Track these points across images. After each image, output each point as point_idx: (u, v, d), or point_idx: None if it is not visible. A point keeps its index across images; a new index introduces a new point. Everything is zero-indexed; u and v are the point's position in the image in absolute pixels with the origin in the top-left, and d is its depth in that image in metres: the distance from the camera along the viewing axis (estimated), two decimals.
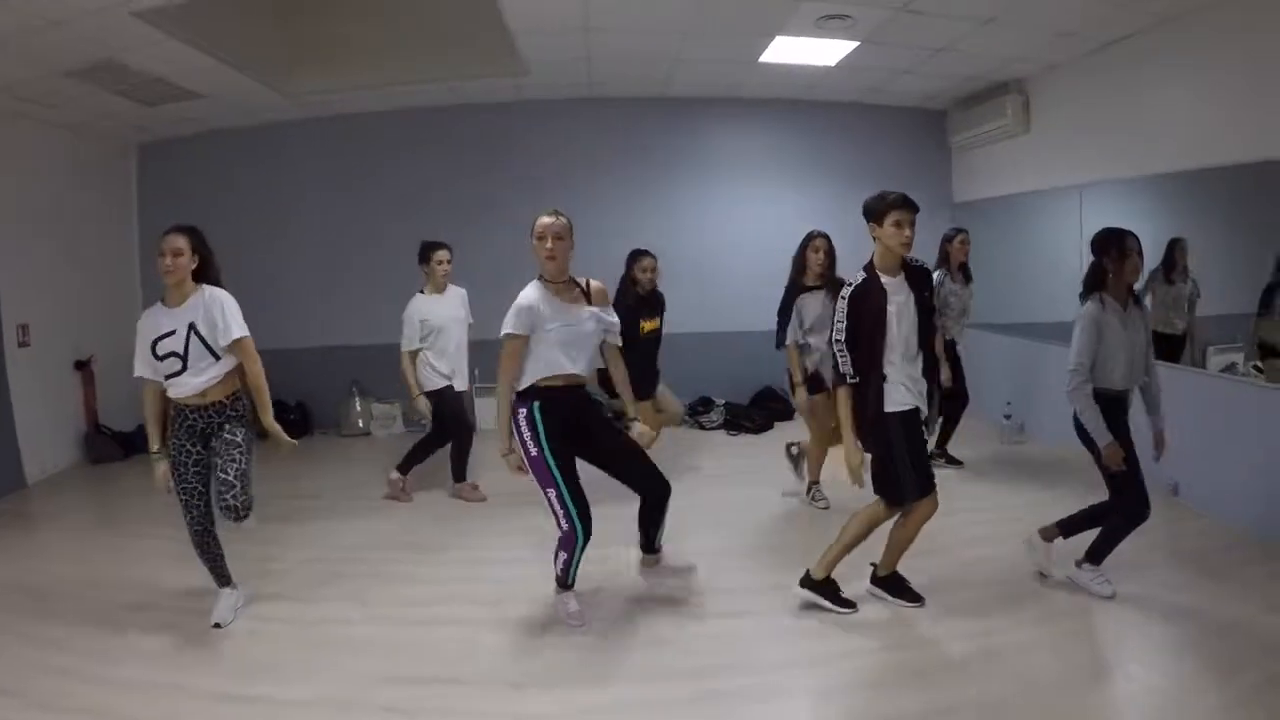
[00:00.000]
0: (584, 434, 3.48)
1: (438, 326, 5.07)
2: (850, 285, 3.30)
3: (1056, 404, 3.77)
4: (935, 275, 5.19)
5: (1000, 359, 6.65)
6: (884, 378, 3.26)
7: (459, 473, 5.33)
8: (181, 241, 3.35)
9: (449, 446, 5.29)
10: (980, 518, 4.62)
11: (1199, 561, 3.93)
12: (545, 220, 3.37)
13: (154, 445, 3.49)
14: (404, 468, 5.33)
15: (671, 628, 3.43)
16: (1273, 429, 4.12)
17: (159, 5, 4.45)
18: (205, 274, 3.45)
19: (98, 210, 6.98)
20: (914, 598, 3.55)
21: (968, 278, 5.64)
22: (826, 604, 3.50)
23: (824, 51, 5.93)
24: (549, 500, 3.36)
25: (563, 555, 3.46)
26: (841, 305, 3.28)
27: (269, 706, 2.89)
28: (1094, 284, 3.45)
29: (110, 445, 6.64)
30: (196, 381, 3.36)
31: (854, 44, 5.71)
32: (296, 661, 3.22)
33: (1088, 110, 5.66)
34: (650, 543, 3.87)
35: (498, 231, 6.48)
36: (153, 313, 3.44)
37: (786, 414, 7.07)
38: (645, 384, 5.16)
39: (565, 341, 3.35)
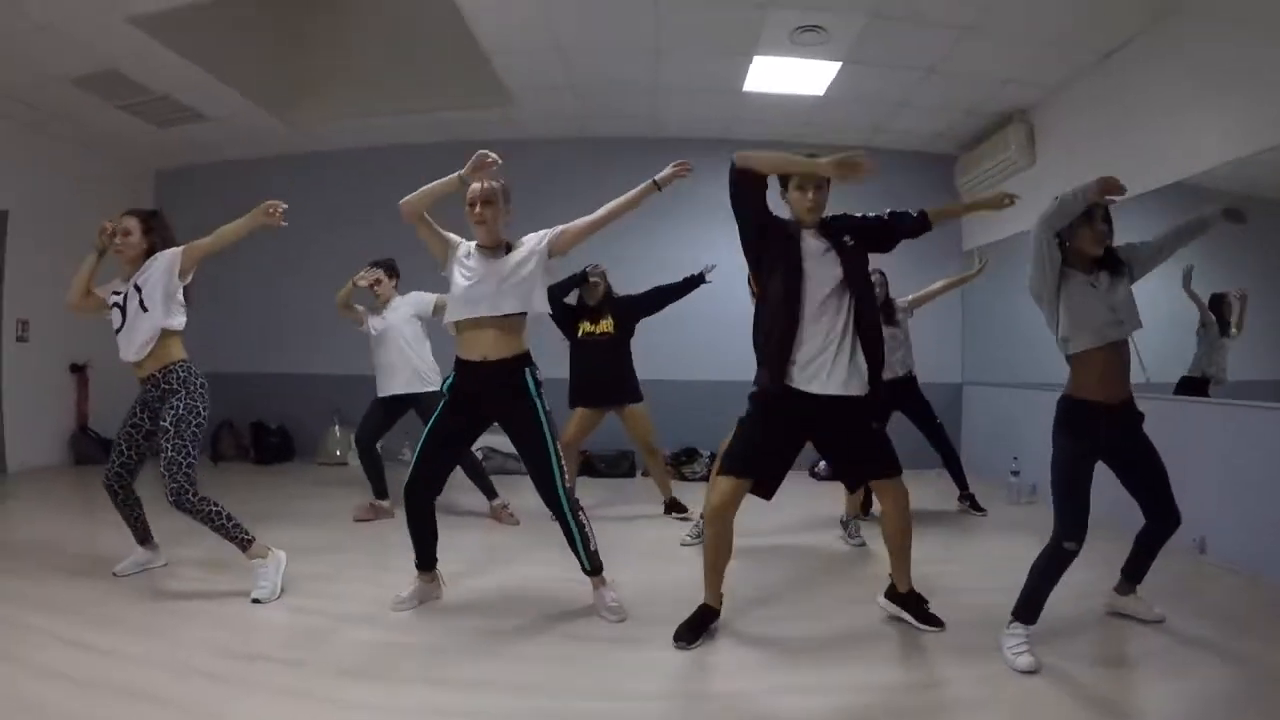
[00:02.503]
0: (500, 418, 3.38)
1: (377, 336, 5.11)
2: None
3: None
4: None
5: (1011, 417, 6.11)
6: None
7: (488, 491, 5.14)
8: (131, 223, 3.58)
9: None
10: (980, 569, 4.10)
11: (1226, 617, 3.28)
12: (473, 187, 3.32)
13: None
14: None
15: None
16: None
17: (156, 11, 4.77)
18: (160, 243, 3.62)
19: None
20: (931, 620, 3.18)
21: (890, 317, 5.13)
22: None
23: (809, 76, 5.78)
24: None
25: None
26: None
27: (107, 658, 2.79)
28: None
29: (95, 447, 6.82)
30: (132, 344, 3.48)
31: (836, 64, 5.55)
32: (145, 624, 3.13)
33: (1093, 131, 5.30)
34: (580, 564, 3.43)
35: None
36: (116, 282, 3.62)
37: None
38: (594, 389, 5.11)
39: (466, 290, 3.26)
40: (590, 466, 6.57)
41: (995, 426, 6.46)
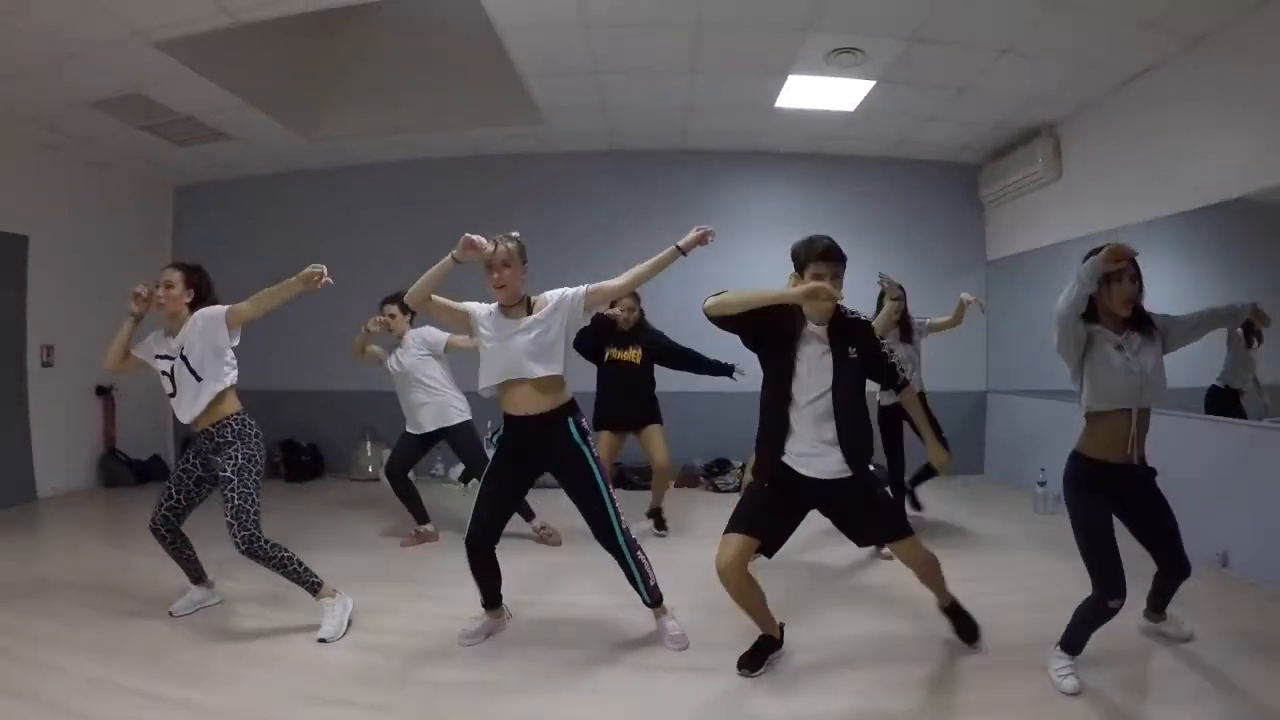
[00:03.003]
0: (550, 469, 3.44)
1: (398, 372, 5.06)
2: None
3: None
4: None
5: (1035, 427, 6.22)
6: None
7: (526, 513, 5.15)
8: (175, 275, 3.59)
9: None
10: (994, 587, 4.13)
11: (1250, 637, 3.39)
12: (486, 248, 3.27)
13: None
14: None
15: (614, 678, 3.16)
16: None
17: (178, 36, 4.69)
18: (199, 307, 3.61)
19: (132, 245, 7.30)
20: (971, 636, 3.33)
21: (908, 333, 5.21)
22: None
23: (842, 93, 5.80)
24: None
25: None
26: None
27: (184, 711, 2.81)
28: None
29: (124, 470, 6.82)
30: (185, 410, 3.52)
31: (870, 83, 5.59)
32: (215, 669, 3.15)
33: (1120, 149, 5.37)
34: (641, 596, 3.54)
35: None
36: (156, 336, 3.65)
37: None
38: (619, 413, 5.14)
39: (488, 355, 3.32)
40: (624, 480, 6.65)
41: (1019, 435, 6.56)
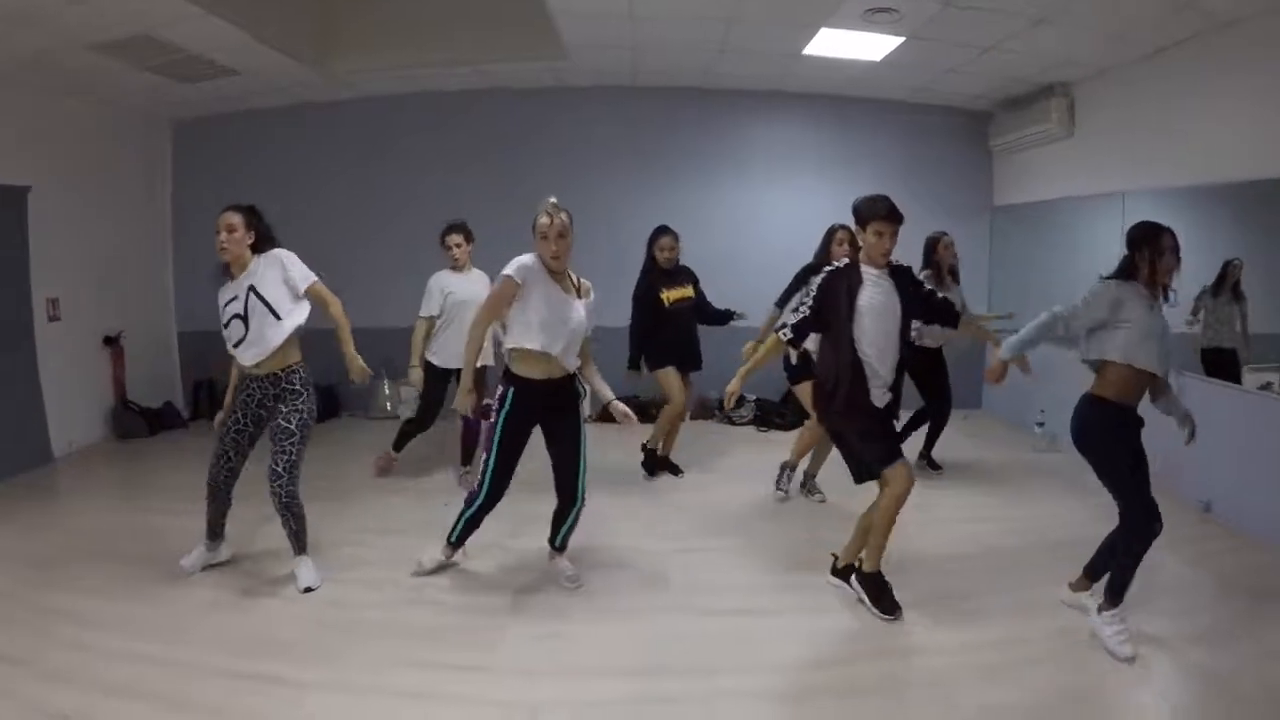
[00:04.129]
0: (546, 422, 3.63)
1: (461, 300, 4.99)
2: (835, 264, 3.48)
3: None
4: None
5: (1036, 366, 6.50)
6: (859, 359, 3.31)
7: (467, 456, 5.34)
8: (236, 219, 3.53)
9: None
10: (1006, 526, 4.58)
11: (1232, 580, 3.81)
12: (544, 220, 3.41)
13: (229, 399, 3.76)
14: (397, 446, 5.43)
15: (675, 624, 3.42)
16: None
17: None
18: (263, 248, 3.62)
19: (130, 186, 6.97)
20: (890, 606, 3.42)
21: (956, 280, 5.52)
22: (866, 602, 3.48)
23: (870, 46, 5.85)
24: (483, 459, 3.61)
25: (463, 505, 3.70)
26: (815, 280, 3.43)
27: (282, 687, 2.86)
28: (1124, 270, 3.23)
29: (137, 421, 6.64)
30: (254, 349, 3.50)
31: (900, 39, 5.63)
32: (311, 641, 3.21)
33: (1135, 116, 5.55)
34: (552, 538, 3.83)
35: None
36: (221, 290, 3.62)
37: None
38: (685, 354, 5.34)
39: (546, 320, 3.41)
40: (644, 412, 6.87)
41: (1017, 374, 6.81)
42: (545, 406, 3.56)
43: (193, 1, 4.67)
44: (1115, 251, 3.31)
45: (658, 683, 2.96)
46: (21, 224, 5.77)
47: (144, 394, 6.84)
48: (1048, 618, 3.38)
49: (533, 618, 3.44)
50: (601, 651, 3.17)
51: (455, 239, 5.09)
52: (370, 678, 2.95)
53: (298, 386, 3.58)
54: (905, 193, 7.04)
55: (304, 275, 3.60)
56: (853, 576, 3.56)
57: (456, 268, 5.13)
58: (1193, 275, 4.65)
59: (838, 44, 5.86)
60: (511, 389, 3.50)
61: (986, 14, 5.00)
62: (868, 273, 3.35)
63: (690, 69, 6.71)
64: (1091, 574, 3.39)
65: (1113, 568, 3.20)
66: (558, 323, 3.42)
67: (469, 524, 3.71)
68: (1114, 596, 3.14)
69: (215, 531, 3.85)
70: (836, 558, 3.66)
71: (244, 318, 3.47)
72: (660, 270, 5.26)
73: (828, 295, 3.34)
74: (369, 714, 2.76)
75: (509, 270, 3.40)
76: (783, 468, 5.03)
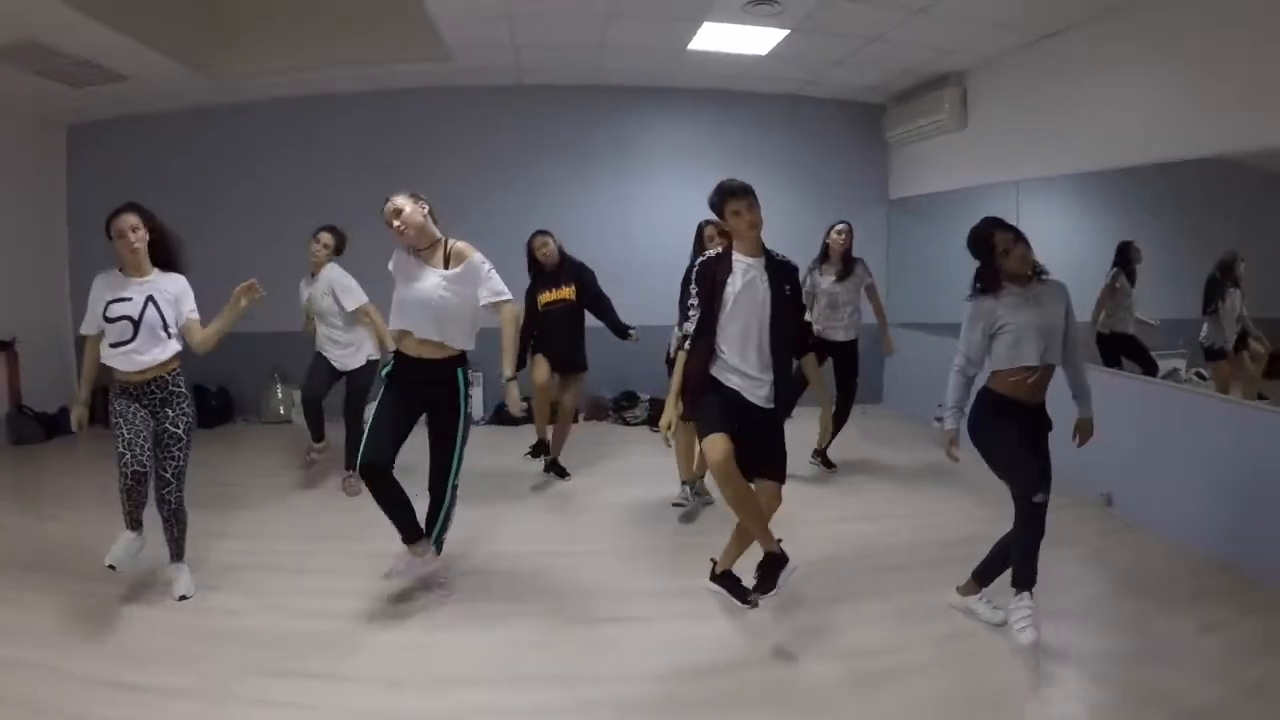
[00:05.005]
0: (425, 406, 3.57)
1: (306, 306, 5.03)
2: (708, 252, 3.35)
3: None
4: (806, 274, 5.24)
5: (932, 359, 6.49)
6: (713, 350, 3.22)
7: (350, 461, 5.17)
8: (135, 219, 3.44)
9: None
10: (898, 525, 4.51)
11: (1130, 576, 3.78)
12: (388, 206, 3.50)
13: (82, 393, 3.60)
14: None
15: (547, 631, 3.33)
16: (1212, 439, 3.96)
17: None
18: (160, 251, 3.55)
19: (22, 191, 6.78)
20: (744, 597, 3.23)
21: (847, 271, 5.41)
22: (730, 597, 3.34)
23: (754, 39, 5.79)
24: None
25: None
26: (694, 271, 3.31)
27: (143, 695, 2.82)
28: (987, 283, 3.19)
29: (33, 426, 6.49)
30: (141, 359, 3.40)
31: (784, 32, 5.58)
32: (178, 650, 3.14)
33: (1027, 104, 5.55)
34: (426, 531, 3.67)
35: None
36: (110, 276, 3.48)
37: None
38: (559, 354, 5.20)
39: (403, 299, 3.49)
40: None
41: (917, 369, 6.80)
42: (417, 384, 3.51)
43: (73, 6, 4.64)
44: None
45: (525, 692, 2.89)
46: None
47: (40, 399, 6.63)
48: (935, 622, 3.32)
49: (402, 626, 3.36)
50: (469, 660, 3.10)
51: (322, 237, 5.00)
52: (231, 686, 2.89)
53: (183, 388, 3.51)
54: (801, 186, 7.26)
55: (189, 306, 3.56)
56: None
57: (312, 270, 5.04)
58: (1094, 260, 4.77)
59: (722, 39, 5.79)
60: (392, 357, 3.60)
61: (867, 5, 4.96)
62: (739, 261, 3.24)
63: (575, 66, 6.61)
64: (980, 579, 3.33)
65: (1013, 562, 3.12)
66: (413, 301, 3.46)
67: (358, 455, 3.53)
68: (1024, 584, 3.05)
69: (135, 522, 3.54)
70: (715, 562, 3.49)
71: (135, 323, 3.38)
72: (539, 271, 5.18)
73: (703, 282, 3.25)
74: None
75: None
76: (692, 484, 4.82)
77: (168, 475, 3.46)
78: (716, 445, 3.06)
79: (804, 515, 4.17)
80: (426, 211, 3.53)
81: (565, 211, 6.76)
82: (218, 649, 3.15)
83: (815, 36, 5.66)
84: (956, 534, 4.17)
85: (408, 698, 2.86)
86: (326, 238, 4.99)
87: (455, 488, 3.60)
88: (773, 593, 3.10)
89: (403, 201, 3.48)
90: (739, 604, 3.27)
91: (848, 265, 5.40)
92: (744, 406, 3.21)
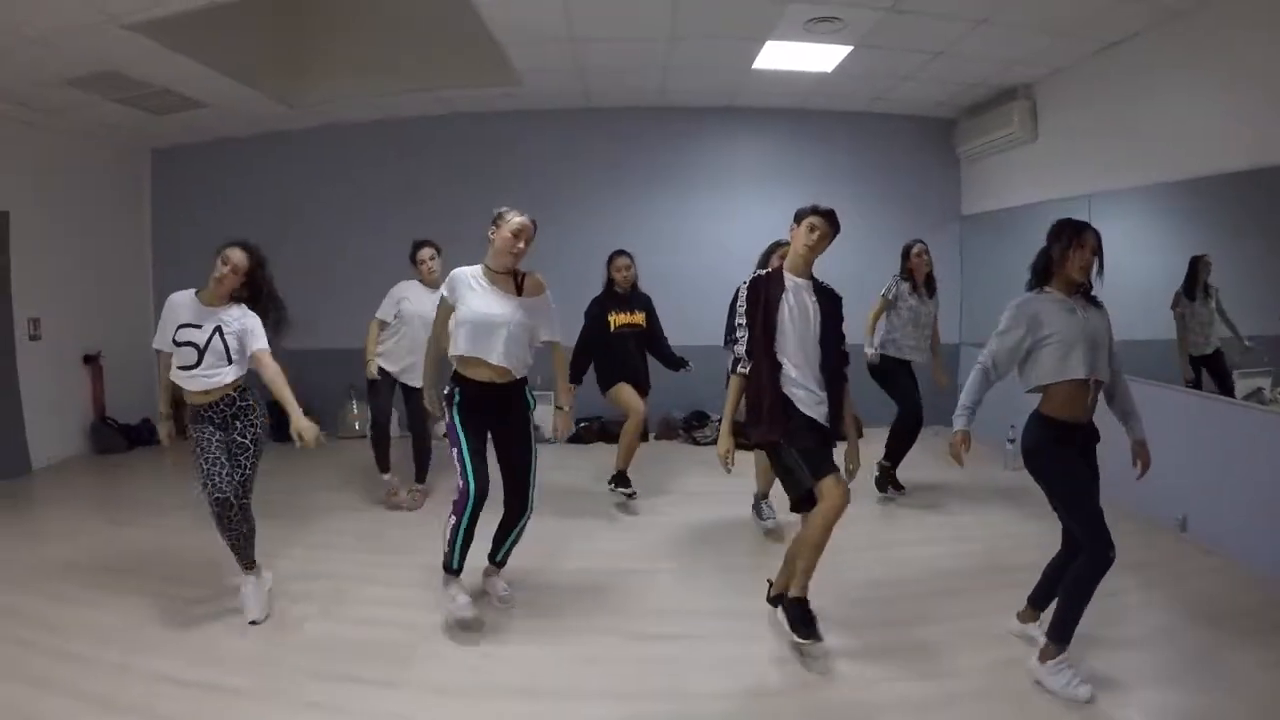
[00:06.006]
0: (495, 427, 3.61)
1: (408, 315, 5.07)
2: (756, 273, 3.37)
3: None
4: (893, 282, 5.30)
5: (1007, 379, 6.35)
6: (779, 366, 3.21)
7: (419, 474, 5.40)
8: (245, 262, 3.59)
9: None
10: (962, 549, 4.41)
11: (1201, 605, 3.58)
12: (521, 220, 3.50)
13: (163, 407, 3.72)
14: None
15: (604, 647, 3.36)
16: None
17: (150, 19, 4.58)
18: (251, 294, 3.65)
19: (111, 212, 7.25)
20: (809, 632, 3.14)
21: (931, 291, 5.40)
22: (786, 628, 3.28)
23: (819, 57, 5.80)
24: (453, 458, 3.49)
25: (452, 519, 3.49)
26: (742, 291, 3.30)
27: (202, 692, 2.96)
28: (1038, 274, 3.10)
29: (115, 437, 6.87)
30: (206, 382, 3.50)
31: (848, 48, 5.58)
32: (240, 652, 3.29)
33: (1097, 115, 5.41)
34: (494, 553, 3.78)
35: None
36: (186, 297, 3.59)
37: None
38: (632, 376, 5.23)
39: (476, 325, 3.46)
40: (606, 432, 6.95)
41: (990, 390, 6.62)
42: (490, 410, 3.56)
43: (153, 39, 4.92)
44: None
45: (573, 706, 2.92)
46: (3, 247, 6.07)
47: (123, 410, 7.03)
48: (992, 649, 3.22)
49: (459, 637, 3.43)
50: (521, 672, 3.15)
51: (426, 252, 5.16)
52: (286, 688, 3.00)
53: (251, 401, 3.61)
54: (871, 203, 7.19)
55: (261, 339, 3.59)
56: (780, 602, 3.39)
57: (426, 282, 5.15)
58: (1168, 276, 4.59)
59: (787, 57, 5.82)
60: (457, 387, 3.54)
61: (929, 18, 4.94)
62: (790, 279, 3.26)
63: (642, 89, 6.71)
64: (1036, 603, 3.23)
65: (1060, 602, 2.94)
66: (489, 325, 3.46)
67: (466, 534, 3.49)
68: (1060, 638, 2.88)
69: (247, 562, 3.67)
70: (771, 584, 3.49)
71: (200, 350, 3.49)
72: (613, 293, 5.25)
73: (754, 301, 3.26)
74: None
75: (443, 290, 3.60)
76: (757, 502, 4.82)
77: (235, 483, 3.53)
78: (840, 491, 3.12)
79: (859, 539, 4.11)
80: None
81: (635, 232, 6.85)
82: (278, 652, 3.29)
83: (880, 52, 5.64)
84: (1022, 559, 3.92)
85: (454, 706, 2.92)
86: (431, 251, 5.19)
87: (534, 499, 3.68)
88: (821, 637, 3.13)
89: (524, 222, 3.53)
90: (797, 638, 3.17)
91: (930, 285, 5.38)
92: (816, 428, 3.22)
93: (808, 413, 3.20)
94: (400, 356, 5.14)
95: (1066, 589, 2.93)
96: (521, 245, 3.49)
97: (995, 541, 4.51)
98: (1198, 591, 3.72)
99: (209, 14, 4.68)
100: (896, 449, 5.37)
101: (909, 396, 5.32)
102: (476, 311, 3.46)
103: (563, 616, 3.63)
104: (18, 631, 3.41)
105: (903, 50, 5.61)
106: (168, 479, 3.86)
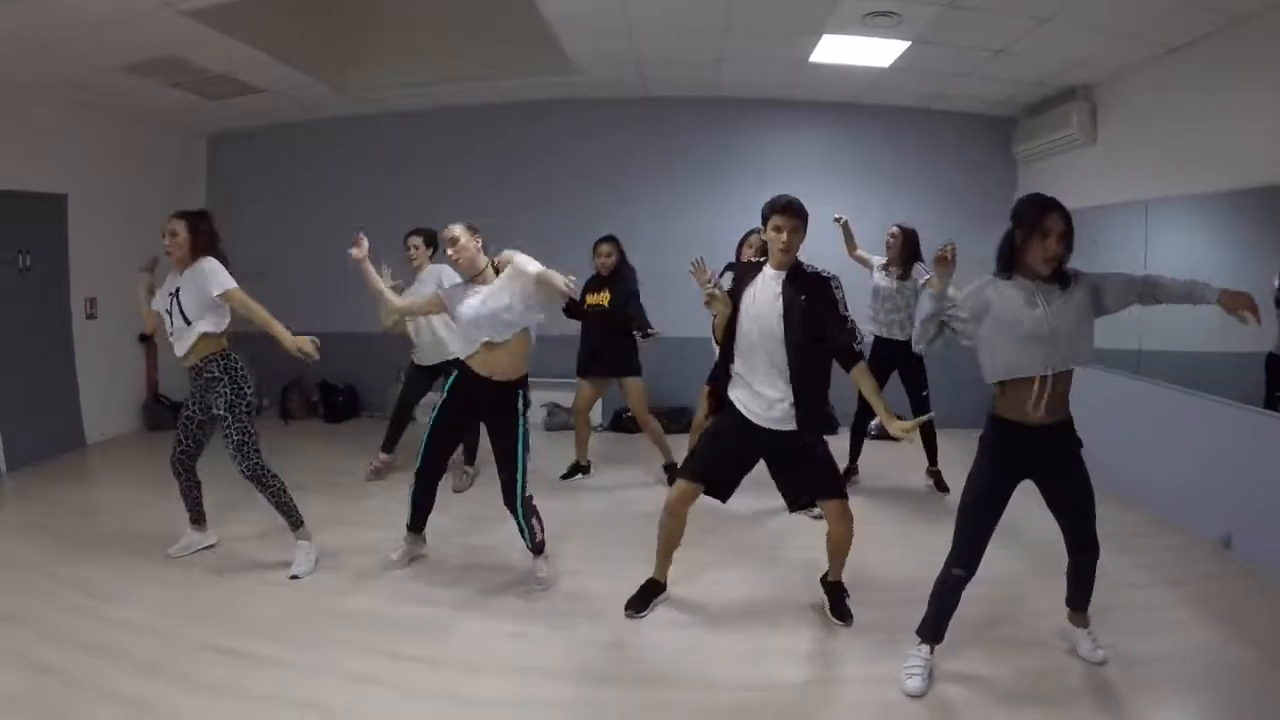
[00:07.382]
0: (486, 421, 3.83)
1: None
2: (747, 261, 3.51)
3: (1108, 438, 3.43)
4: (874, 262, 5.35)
5: None
6: (730, 366, 3.28)
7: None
8: (177, 225, 3.84)
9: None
10: (999, 554, 4.26)
11: (1241, 624, 3.45)
12: (445, 233, 3.80)
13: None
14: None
15: (633, 631, 3.42)
16: None
17: (208, 5, 4.67)
18: (209, 251, 3.85)
19: (167, 195, 7.27)
20: (843, 615, 3.42)
21: (905, 275, 5.34)
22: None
23: (875, 52, 5.73)
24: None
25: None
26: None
27: (243, 661, 3.09)
28: (1003, 261, 2.83)
29: (168, 414, 7.01)
30: (178, 346, 3.79)
31: (905, 44, 5.50)
32: (282, 623, 3.43)
33: (1157, 120, 5.27)
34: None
35: (548, 222, 6.72)
36: (170, 277, 3.93)
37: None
38: (593, 358, 5.43)
39: (466, 321, 3.69)
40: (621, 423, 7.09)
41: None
42: (479, 402, 3.74)
43: (211, 26, 4.99)
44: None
45: (599, 688, 2.98)
46: (61, 229, 6.27)
47: (176, 389, 7.17)
48: (1026, 654, 3.19)
49: (495, 617, 3.53)
50: (552, 653, 3.23)
51: (414, 240, 5.54)
52: (323, 660, 3.12)
53: (216, 373, 3.75)
54: (926, 202, 7.09)
55: (220, 282, 3.73)
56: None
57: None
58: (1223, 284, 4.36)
59: (843, 51, 5.76)
60: (457, 370, 3.79)
61: (990, 14, 4.84)
62: (765, 273, 3.25)
63: (697, 80, 6.69)
64: (1074, 604, 3.16)
65: (932, 600, 3.02)
66: (467, 324, 3.69)
67: (413, 500, 3.91)
68: (921, 633, 3.03)
69: (196, 517, 4.13)
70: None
71: (170, 315, 3.77)
72: (594, 276, 5.46)
73: (732, 294, 3.32)
74: (311, 691, 2.90)
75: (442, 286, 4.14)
76: None
77: (230, 450, 3.77)
78: (679, 488, 3.33)
79: (904, 539, 4.11)
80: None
81: (688, 223, 6.93)
82: (318, 625, 3.43)
83: (938, 48, 5.55)
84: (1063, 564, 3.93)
85: (484, 683, 3.01)
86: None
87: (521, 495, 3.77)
88: (643, 614, 3.46)
89: (457, 233, 3.82)
90: (831, 616, 3.42)
91: (907, 267, 5.35)
92: (753, 432, 3.21)
93: (749, 416, 3.21)
94: (435, 349, 5.46)
95: (933, 603, 3.02)
96: (450, 253, 3.73)
97: (1034, 545, 4.35)
98: (1237, 610, 3.60)
99: (266, 1, 4.75)
100: (929, 447, 5.41)
101: (912, 388, 5.33)
102: (458, 317, 3.74)
103: (594, 599, 3.69)
104: (75, 599, 3.55)
105: (961, 47, 5.51)
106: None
